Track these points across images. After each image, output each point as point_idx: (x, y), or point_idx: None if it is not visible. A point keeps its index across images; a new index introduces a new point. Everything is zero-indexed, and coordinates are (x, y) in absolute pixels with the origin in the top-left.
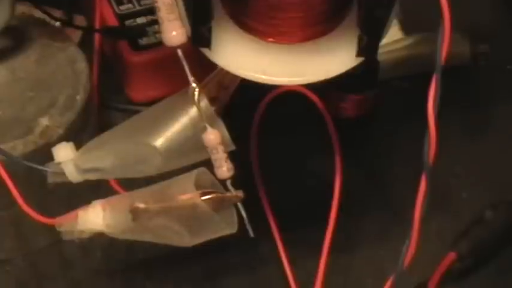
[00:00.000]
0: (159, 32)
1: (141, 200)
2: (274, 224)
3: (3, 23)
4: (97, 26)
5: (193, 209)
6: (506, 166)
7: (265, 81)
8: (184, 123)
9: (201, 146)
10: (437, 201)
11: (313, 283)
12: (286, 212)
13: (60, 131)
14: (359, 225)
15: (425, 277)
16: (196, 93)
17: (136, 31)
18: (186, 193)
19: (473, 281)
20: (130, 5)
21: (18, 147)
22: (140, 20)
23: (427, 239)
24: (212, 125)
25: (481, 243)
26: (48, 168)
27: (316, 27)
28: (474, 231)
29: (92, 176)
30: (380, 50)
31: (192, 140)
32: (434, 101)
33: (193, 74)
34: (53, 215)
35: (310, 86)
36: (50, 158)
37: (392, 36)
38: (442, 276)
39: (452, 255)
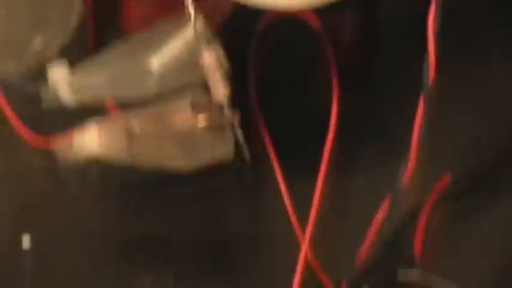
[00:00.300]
0: None
1: (136, 122)
2: (271, 147)
3: None
4: None
5: (189, 131)
6: (506, 91)
7: (261, 4)
8: (180, 43)
9: (197, 66)
10: (435, 123)
11: (310, 205)
12: (283, 135)
13: (54, 52)
14: (357, 148)
15: (421, 199)
16: (192, 13)
17: None
18: (182, 115)
19: (469, 203)
20: None
21: (12, 68)
22: None
23: (424, 161)
24: (208, 46)
25: (477, 165)
26: (43, 90)
27: None
28: (471, 153)
29: (86, 97)
30: None
31: (188, 60)
32: (434, 20)
33: None
34: (48, 137)
35: (309, 10)
36: (45, 79)
37: None
38: (437, 197)
39: (448, 177)
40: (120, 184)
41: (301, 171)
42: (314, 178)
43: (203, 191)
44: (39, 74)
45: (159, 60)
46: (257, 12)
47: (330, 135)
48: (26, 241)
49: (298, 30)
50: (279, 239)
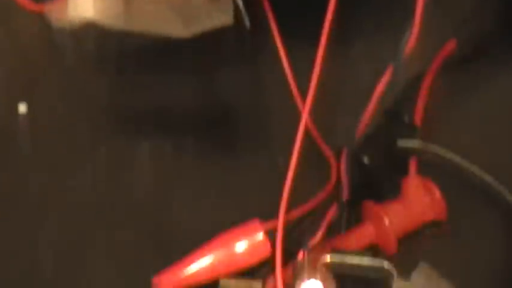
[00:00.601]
0: None
1: None
2: (270, 13)
3: None
4: None
5: None
6: None
7: None
8: None
9: None
10: None
11: (310, 73)
12: (284, 1)
13: None
14: (359, 13)
15: (423, 68)
16: None
17: None
18: None
19: (472, 69)
20: None
21: None
22: None
23: (427, 28)
24: None
25: (481, 31)
26: None
27: None
28: (475, 18)
29: None
30: None
31: None
32: None
33: None
34: (42, 1)
35: None
36: None
37: None
38: (441, 64)
39: (451, 43)
40: (117, 50)
41: (301, 38)
42: (315, 45)
43: (202, 58)
44: None
45: None
46: None
47: (332, 4)
48: (22, 108)
49: None
50: (279, 108)
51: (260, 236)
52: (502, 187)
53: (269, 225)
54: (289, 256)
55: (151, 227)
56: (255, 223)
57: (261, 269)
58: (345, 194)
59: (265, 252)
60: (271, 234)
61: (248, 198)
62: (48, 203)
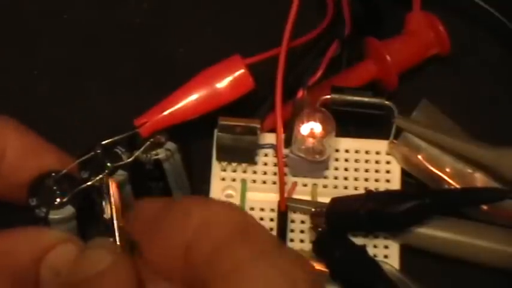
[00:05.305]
0: None
1: None
2: None
3: None
4: None
5: None
6: None
7: None
8: None
9: None
10: None
11: None
12: None
13: None
14: None
15: None
16: None
17: None
18: None
19: None
20: None
21: None
22: None
23: None
24: None
25: None
26: None
27: None
28: None
29: None
30: None
31: None
32: None
33: None
34: None
35: None
36: None
37: None
38: None
39: None
40: None
41: None
42: None
43: None
44: None
45: None
46: None
47: None
48: None
49: None
50: None
51: (241, 69)
52: (508, 23)
53: (250, 59)
54: (288, 95)
55: (146, 62)
56: (236, 57)
57: (260, 108)
58: (347, 29)
59: (247, 86)
60: (255, 70)
61: (246, 36)
62: (42, 34)
